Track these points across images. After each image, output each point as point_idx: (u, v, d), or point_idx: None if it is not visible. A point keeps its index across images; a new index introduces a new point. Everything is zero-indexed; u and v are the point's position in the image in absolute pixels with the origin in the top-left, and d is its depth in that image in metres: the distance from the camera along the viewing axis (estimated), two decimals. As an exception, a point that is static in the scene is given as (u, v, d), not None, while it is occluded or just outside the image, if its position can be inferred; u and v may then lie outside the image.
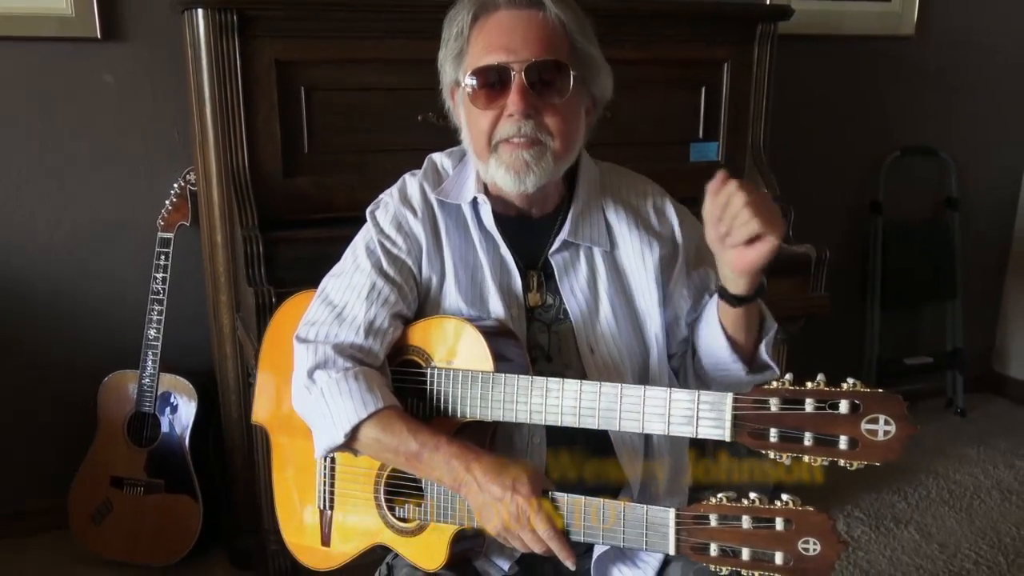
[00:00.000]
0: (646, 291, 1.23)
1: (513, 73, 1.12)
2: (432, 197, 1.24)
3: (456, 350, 1.15)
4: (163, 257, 2.21)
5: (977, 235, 3.34)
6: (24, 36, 2.15)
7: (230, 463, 2.27)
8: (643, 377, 1.23)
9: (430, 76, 2.08)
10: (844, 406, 0.92)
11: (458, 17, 1.17)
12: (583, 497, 1.04)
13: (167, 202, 2.24)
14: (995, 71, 3.22)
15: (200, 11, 1.93)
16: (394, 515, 1.21)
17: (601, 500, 1.03)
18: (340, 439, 1.13)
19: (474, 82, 1.14)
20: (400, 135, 2.12)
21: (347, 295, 1.20)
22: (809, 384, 0.94)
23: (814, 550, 0.92)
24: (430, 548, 1.18)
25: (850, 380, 0.92)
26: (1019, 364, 3.52)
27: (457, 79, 1.19)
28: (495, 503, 1.05)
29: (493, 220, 1.21)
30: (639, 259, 1.23)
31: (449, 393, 1.15)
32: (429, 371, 1.17)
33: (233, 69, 1.96)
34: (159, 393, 2.22)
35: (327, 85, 2.07)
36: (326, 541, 1.29)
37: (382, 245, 1.22)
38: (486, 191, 1.23)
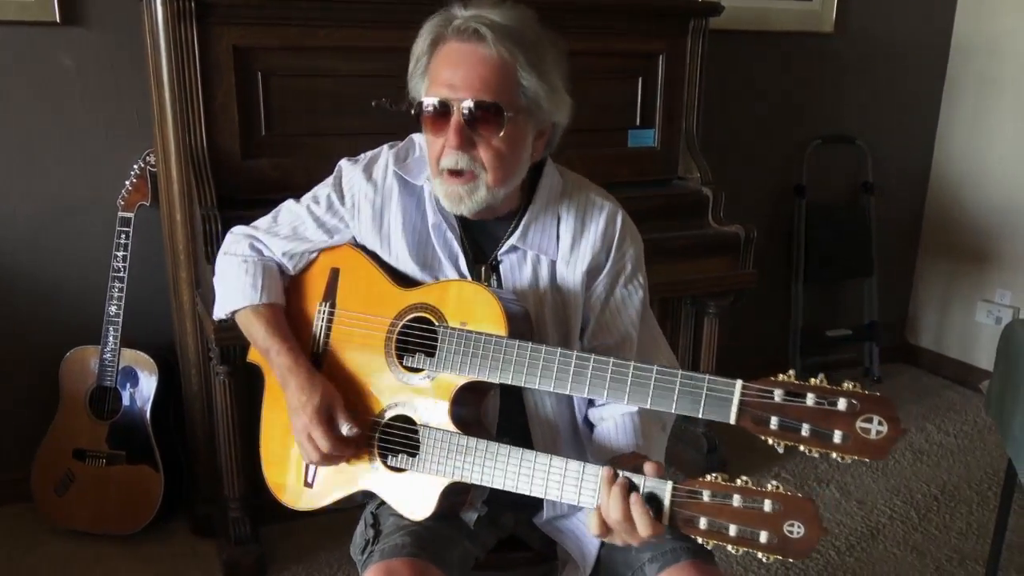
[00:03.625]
0: (573, 300, 1.30)
1: (453, 108, 1.17)
2: (392, 171, 1.33)
3: (473, 313, 1.19)
4: (123, 236, 2.24)
5: (891, 217, 3.50)
6: (-18, 20, 2.15)
7: (191, 434, 2.33)
8: None
9: (383, 63, 2.20)
10: (842, 403, 0.95)
11: (420, 40, 1.22)
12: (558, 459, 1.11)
13: (127, 182, 2.26)
14: (906, 66, 3.38)
15: (158, -2, 1.96)
16: (386, 463, 1.24)
17: (582, 464, 1.09)
18: (223, 315, 1.39)
19: (425, 110, 1.20)
20: (354, 119, 2.18)
21: (287, 217, 1.38)
22: (812, 380, 0.98)
23: (798, 533, 0.96)
24: (420, 498, 1.21)
25: (849, 383, 0.96)
26: (929, 335, 3.71)
27: (416, 95, 1.25)
28: (292, 413, 1.26)
29: (438, 205, 1.29)
30: (572, 270, 1.30)
31: (460, 352, 1.17)
32: (441, 330, 1.20)
33: (191, 55, 2.00)
34: (120, 367, 2.26)
35: (284, 71, 2.12)
36: (309, 482, 1.32)
37: (328, 197, 1.36)
38: None
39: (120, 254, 2.24)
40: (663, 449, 1.33)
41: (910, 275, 3.72)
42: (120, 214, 2.26)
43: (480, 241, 1.32)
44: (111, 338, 2.24)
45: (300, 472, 1.33)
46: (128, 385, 2.28)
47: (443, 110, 1.18)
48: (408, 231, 1.31)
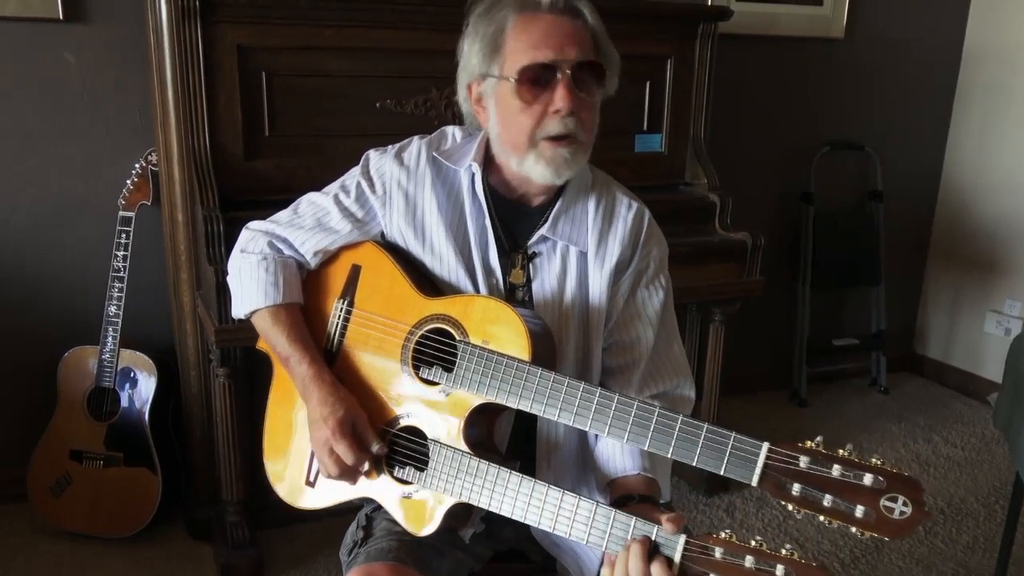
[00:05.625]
0: (598, 296, 1.29)
1: (560, 73, 1.18)
2: (428, 157, 1.31)
3: (496, 333, 1.16)
4: (124, 236, 2.23)
5: (899, 225, 3.48)
6: (-16, 16, 2.14)
7: (189, 437, 2.32)
8: (582, 372, 1.29)
9: (388, 64, 2.18)
10: (868, 479, 0.93)
11: (498, 15, 1.22)
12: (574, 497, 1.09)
13: (128, 182, 2.25)
14: (917, 73, 3.37)
15: (163, -4, 1.95)
16: (393, 475, 1.22)
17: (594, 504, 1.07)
18: (241, 315, 1.34)
19: (519, 78, 1.19)
20: (358, 120, 2.18)
21: (310, 209, 1.34)
22: (841, 451, 0.96)
23: None
24: (424, 514, 1.19)
25: (877, 459, 0.95)
26: (937, 345, 3.69)
27: (486, 72, 1.23)
28: (313, 425, 1.24)
29: (484, 191, 1.28)
30: (600, 265, 1.29)
31: (479, 371, 1.15)
32: (461, 346, 1.17)
33: (195, 53, 1.99)
34: (119, 368, 2.24)
35: (288, 70, 2.11)
36: (311, 481, 1.29)
37: (358, 185, 1.32)
38: (486, 168, 1.29)
39: (120, 254, 2.23)
40: (670, 467, 1.31)
41: (918, 284, 3.70)
42: (121, 213, 2.24)
43: (513, 228, 1.30)
44: (110, 338, 2.23)
45: (303, 469, 1.31)
46: (127, 386, 2.26)
47: (547, 75, 1.18)
48: (443, 216, 1.29)
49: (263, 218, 1.39)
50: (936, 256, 3.64)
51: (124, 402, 2.26)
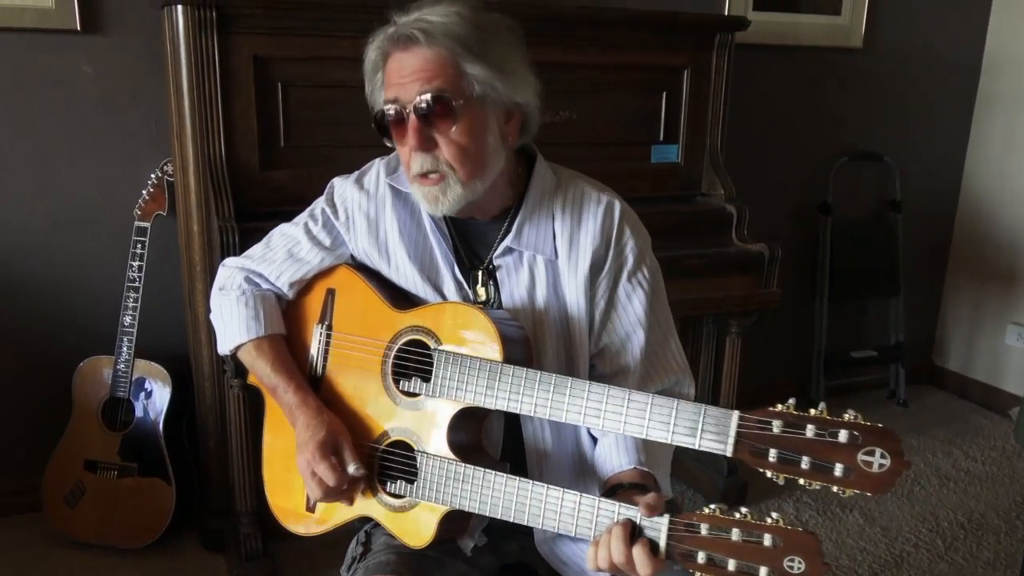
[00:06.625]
0: (575, 302, 1.26)
1: (405, 112, 1.16)
2: (385, 181, 1.31)
3: (468, 337, 1.17)
4: (140, 246, 2.24)
5: (918, 236, 3.45)
6: (3, 27, 2.15)
7: (203, 447, 2.31)
8: None
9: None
10: (843, 435, 0.92)
11: (369, 56, 1.22)
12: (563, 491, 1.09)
13: (144, 192, 2.26)
14: (936, 82, 3.33)
15: (180, 7, 1.96)
16: (385, 490, 1.23)
17: (579, 495, 1.07)
18: (226, 352, 1.36)
19: (377, 124, 1.21)
20: (373, 131, 2.18)
21: (282, 240, 1.36)
22: (812, 411, 0.95)
23: (799, 568, 0.94)
24: (418, 526, 1.20)
25: (851, 412, 0.93)
26: (957, 357, 3.65)
27: (375, 105, 1.25)
28: (298, 449, 1.24)
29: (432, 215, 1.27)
30: (575, 269, 1.26)
31: (455, 377, 1.16)
32: (436, 353, 1.18)
33: (211, 64, 1.99)
34: (134, 378, 2.25)
35: (303, 81, 2.11)
36: (311, 507, 1.31)
37: (323, 212, 1.34)
38: None
39: (136, 264, 2.24)
40: (668, 463, 1.30)
41: (938, 296, 3.67)
42: (136, 223, 2.25)
43: (474, 244, 1.29)
44: (125, 348, 2.23)
45: (302, 498, 1.32)
46: (141, 396, 2.27)
47: (398, 117, 1.17)
48: (405, 238, 1.30)
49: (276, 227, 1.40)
50: (956, 267, 3.60)
51: (139, 412, 2.26)
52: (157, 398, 2.26)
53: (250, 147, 2.08)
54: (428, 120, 1.16)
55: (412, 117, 1.15)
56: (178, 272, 2.32)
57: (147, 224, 2.25)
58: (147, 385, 2.26)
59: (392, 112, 1.17)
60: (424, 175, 1.19)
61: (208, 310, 2.08)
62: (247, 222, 1.97)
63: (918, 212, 3.42)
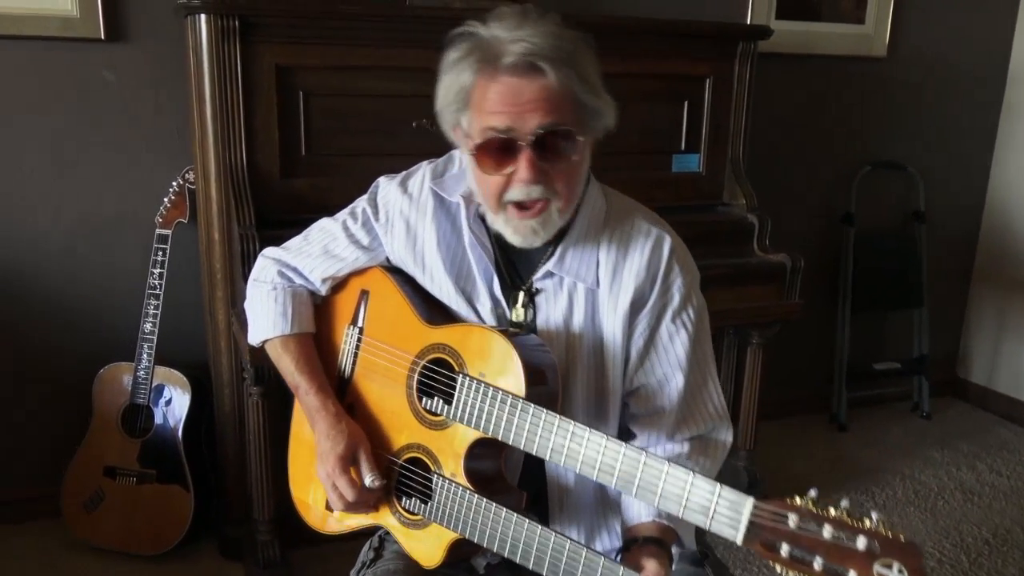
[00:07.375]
0: (612, 335, 1.22)
1: (520, 143, 1.10)
2: (429, 187, 1.28)
3: (492, 365, 1.13)
4: (160, 253, 2.24)
5: (942, 246, 3.41)
6: (29, 35, 2.17)
7: (222, 455, 2.31)
8: (594, 418, 1.24)
9: (424, 83, 2.14)
10: (862, 542, 0.86)
11: (461, 74, 1.14)
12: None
13: (166, 199, 2.27)
14: (960, 91, 3.30)
15: (203, 16, 1.97)
16: (400, 505, 1.22)
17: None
18: (255, 343, 1.37)
19: (477, 149, 1.13)
20: (394, 140, 2.17)
21: (319, 236, 1.35)
22: (832, 510, 0.90)
23: None
24: (428, 547, 1.19)
25: (875, 516, 0.88)
26: (981, 370, 3.60)
27: (456, 123, 1.19)
28: (318, 458, 1.24)
29: (474, 223, 1.24)
30: (615, 302, 1.21)
31: (476, 405, 1.13)
32: (460, 377, 1.15)
33: (234, 73, 2.00)
34: (153, 385, 2.25)
35: (325, 90, 2.11)
36: (330, 507, 1.30)
37: (364, 211, 1.33)
38: None
39: (156, 271, 2.24)
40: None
41: (962, 307, 3.62)
42: (157, 231, 2.26)
43: (517, 263, 1.25)
44: (145, 355, 2.24)
45: (323, 495, 1.31)
46: (161, 403, 2.27)
47: (506, 145, 1.11)
48: (443, 248, 1.26)
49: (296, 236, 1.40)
50: (980, 278, 3.55)
51: (158, 419, 2.27)
52: (176, 405, 2.27)
53: (271, 156, 2.09)
54: (544, 152, 1.11)
55: (527, 148, 1.10)
56: (198, 280, 2.33)
57: (168, 232, 2.26)
58: (167, 392, 2.27)
59: (499, 139, 1.11)
60: (524, 205, 1.14)
61: (230, 318, 2.12)
62: (267, 230, 1.96)
63: (942, 223, 3.39)
